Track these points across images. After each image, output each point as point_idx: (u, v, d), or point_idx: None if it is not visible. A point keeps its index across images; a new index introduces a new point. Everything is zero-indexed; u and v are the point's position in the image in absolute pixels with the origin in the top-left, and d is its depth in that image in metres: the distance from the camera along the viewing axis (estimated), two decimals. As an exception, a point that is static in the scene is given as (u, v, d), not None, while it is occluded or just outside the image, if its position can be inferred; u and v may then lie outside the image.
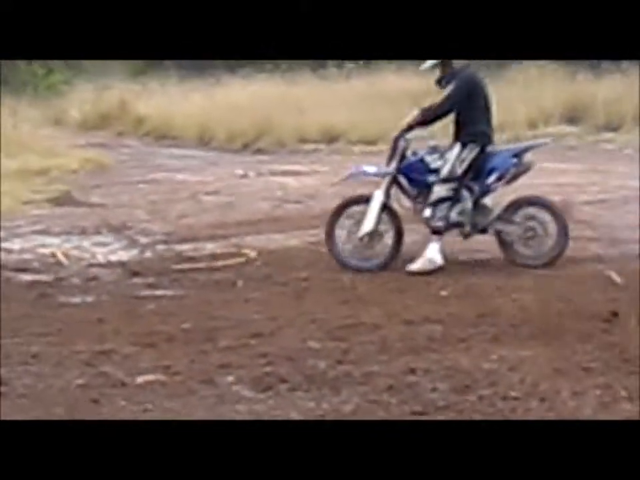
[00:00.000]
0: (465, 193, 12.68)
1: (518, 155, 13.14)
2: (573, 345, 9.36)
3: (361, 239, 12.66)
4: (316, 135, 28.95)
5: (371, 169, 13.22)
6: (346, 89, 33.11)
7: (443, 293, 11.65)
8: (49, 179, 22.54)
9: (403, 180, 12.77)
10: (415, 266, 12.55)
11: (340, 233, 12.87)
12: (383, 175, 12.77)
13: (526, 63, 34.31)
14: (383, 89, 31.82)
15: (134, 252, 14.43)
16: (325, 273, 12.99)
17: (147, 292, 12.46)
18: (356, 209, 12.81)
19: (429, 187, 12.67)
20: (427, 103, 28.65)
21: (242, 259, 13.85)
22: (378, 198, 12.55)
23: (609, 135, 26.94)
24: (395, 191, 12.84)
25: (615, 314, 10.22)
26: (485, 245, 14.33)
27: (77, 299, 12.18)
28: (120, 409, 8.25)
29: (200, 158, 24.37)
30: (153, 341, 10.11)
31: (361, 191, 13.69)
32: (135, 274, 13.40)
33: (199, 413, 8.10)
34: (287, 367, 9.09)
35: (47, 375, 9.17)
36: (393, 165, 12.71)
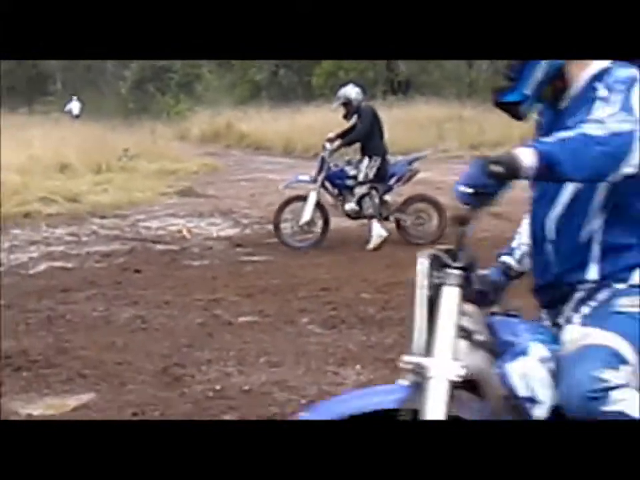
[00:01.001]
0: (373, 192, 13.17)
1: (410, 162, 13.76)
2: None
3: (301, 226, 13.10)
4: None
5: (305, 177, 13.60)
6: (388, 115, 32.90)
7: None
8: (177, 178, 22.66)
9: (328, 184, 13.32)
10: (371, 245, 12.97)
11: (285, 224, 13.33)
12: (314, 181, 13.19)
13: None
14: (416, 116, 31.68)
15: (237, 230, 14.47)
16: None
17: (247, 258, 12.54)
18: (295, 205, 13.24)
19: (347, 189, 13.28)
20: (447, 126, 28.61)
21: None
22: (313, 197, 13.02)
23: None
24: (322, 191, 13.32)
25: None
26: (489, 227, 14.30)
27: (196, 263, 12.30)
28: (228, 341, 8.28)
29: (284, 163, 24.26)
30: (251, 292, 10.16)
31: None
32: (238, 245, 13.44)
33: (283, 345, 8.13)
34: (346, 311, 9.09)
35: (175, 316, 9.21)
36: (322, 174, 13.19)
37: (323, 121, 31.13)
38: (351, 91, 13.48)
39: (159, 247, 13.50)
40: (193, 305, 9.64)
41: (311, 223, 13.07)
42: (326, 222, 13.22)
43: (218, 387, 6.99)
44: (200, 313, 9.32)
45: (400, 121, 30.15)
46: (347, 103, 13.37)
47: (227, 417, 6.35)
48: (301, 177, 13.83)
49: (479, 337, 3.39)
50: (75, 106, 45.85)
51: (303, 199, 13.15)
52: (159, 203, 18.45)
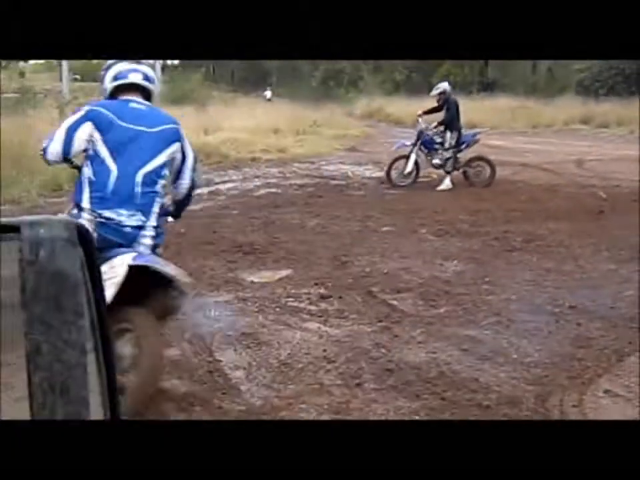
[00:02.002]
0: (455, 155, 12.80)
1: (474, 135, 13.21)
2: (582, 224, 9.02)
3: (405, 174, 12.79)
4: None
5: (408, 142, 13.06)
6: (481, 104, 32.26)
7: (522, 197, 11.39)
8: (346, 139, 22.58)
9: (422, 147, 12.89)
10: (439, 188, 12.52)
11: (393, 172, 12.94)
12: (414, 145, 12.81)
13: (567, 97, 32.91)
14: (497, 105, 31.12)
15: (382, 173, 14.13)
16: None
17: (387, 191, 12.32)
18: (401, 161, 12.93)
19: (434, 150, 12.84)
20: (517, 112, 27.74)
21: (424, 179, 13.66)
22: (413, 156, 12.76)
23: (603, 129, 25.67)
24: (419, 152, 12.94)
25: (602, 211, 9.83)
26: (542, 177, 13.90)
27: (356, 193, 12.20)
28: (374, 242, 8.27)
29: (412, 133, 23.93)
30: (389, 212, 10.06)
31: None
32: (382, 183, 13.15)
33: (409, 246, 8.07)
34: (449, 226, 8.97)
35: (343, 225, 9.24)
36: (419, 141, 12.88)
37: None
38: (446, 86, 13.17)
39: (334, 182, 13.48)
40: (354, 219, 9.61)
41: (411, 172, 12.73)
42: (418, 172, 12.89)
43: (368, 270, 7.00)
44: (358, 224, 9.28)
45: (487, 108, 29.73)
46: (442, 93, 12.99)
47: (373, 289, 6.38)
48: (406, 142, 13.28)
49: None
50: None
51: (405, 157, 12.87)
52: (334, 155, 18.44)
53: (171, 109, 24.19)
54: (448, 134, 12.75)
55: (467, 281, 6.61)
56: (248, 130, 20.59)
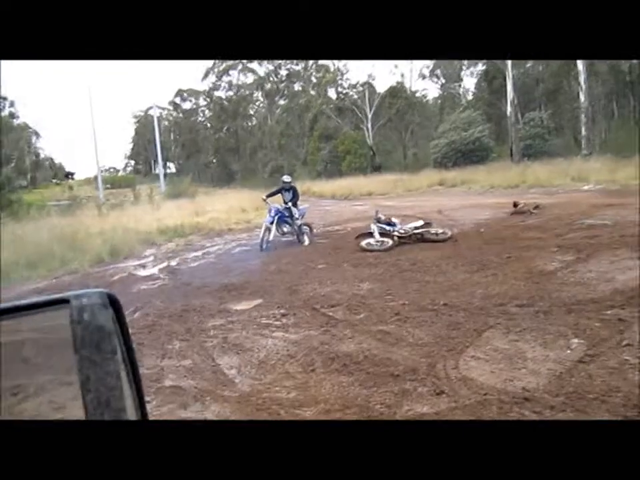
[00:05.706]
0: (301, 224, 11.99)
1: (304, 209, 12.38)
2: (445, 250, 9.03)
3: (268, 241, 11.45)
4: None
5: (270, 219, 11.72)
6: (371, 179, 32.44)
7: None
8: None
9: (278, 221, 11.76)
10: (306, 243, 11.75)
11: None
12: (273, 221, 11.68)
13: (428, 169, 33.37)
14: (384, 179, 31.39)
15: (316, 229, 13.93)
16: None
17: (320, 241, 12.11)
18: (265, 232, 11.52)
19: (284, 222, 11.92)
20: (396, 183, 27.53)
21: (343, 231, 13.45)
22: (273, 227, 11.62)
23: (452, 188, 26.05)
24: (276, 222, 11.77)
25: (456, 240, 9.85)
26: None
27: (300, 247, 12.01)
28: (315, 275, 8.14)
29: (330, 202, 23.56)
30: (323, 254, 9.90)
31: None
32: (315, 235, 12.88)
33: (337, 273, 7.96)
34: (361, 261, 8.92)
35: (292, 266, 9.08)
36: (276, 215, 11.69)
37: (344, 184, 31.08)
38: (289, 178, 12.54)
39: (284, 239, 13.15)
40: (299, 263, 9.52)
41: (270, 239, 11.49)
42: (269, 240, 11.58)
43: (311, 294, 6.89)
44: (305, 265, 9.09)
45: (377, 181, 30.06)
46: (287, 182, 12.23)
47: (316, 306, 6.30)
48: (268, 219, 11.80)
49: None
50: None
51: (268, 229, 11.55)
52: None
53: (173, 201, 23.79)
54: (295, 209, 12.00)
55: (376, 294, 6.58)
56: (224, 211, 20.48)
